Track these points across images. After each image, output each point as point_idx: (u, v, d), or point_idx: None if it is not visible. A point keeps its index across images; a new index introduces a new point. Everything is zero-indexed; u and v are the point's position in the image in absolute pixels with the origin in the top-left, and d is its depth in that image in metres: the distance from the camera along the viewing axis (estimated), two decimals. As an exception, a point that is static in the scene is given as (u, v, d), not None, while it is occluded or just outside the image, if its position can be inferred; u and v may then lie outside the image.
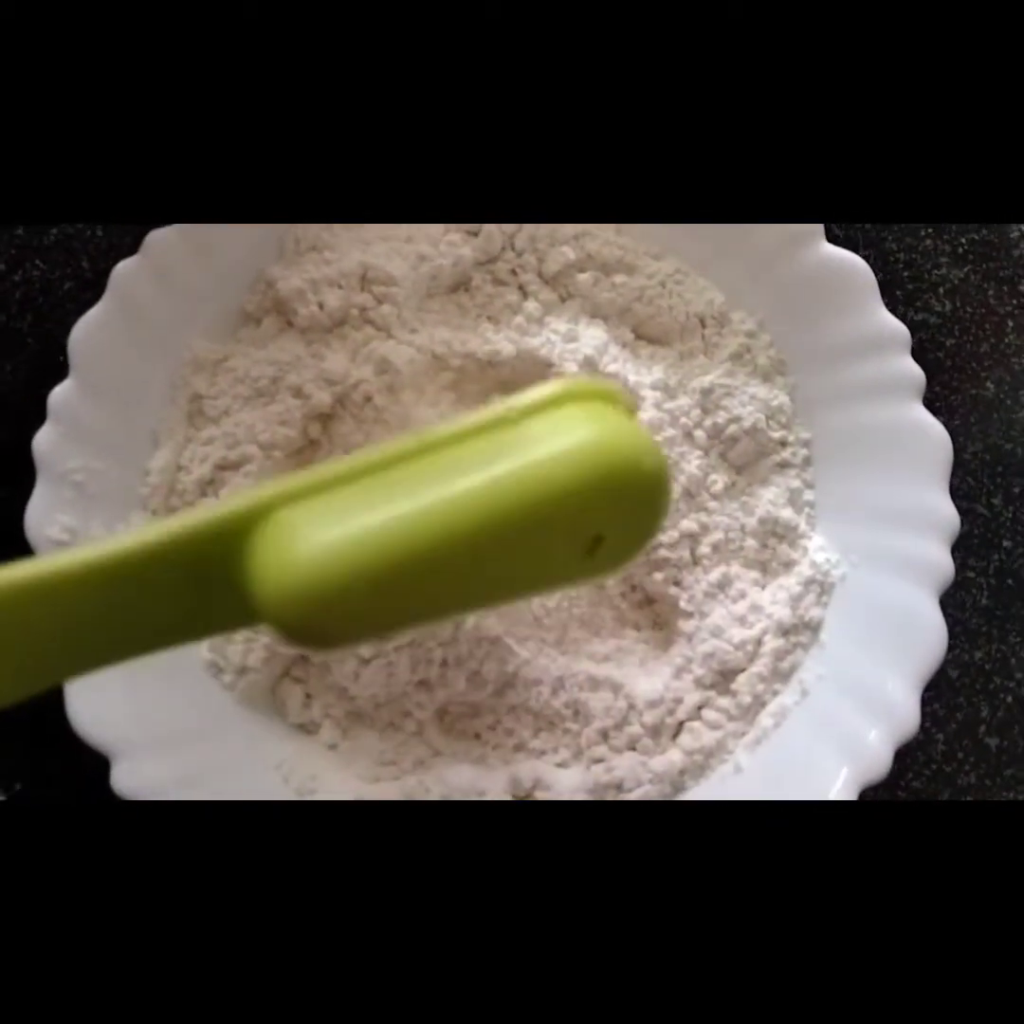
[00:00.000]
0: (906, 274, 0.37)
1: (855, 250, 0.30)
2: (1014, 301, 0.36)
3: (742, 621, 0.29)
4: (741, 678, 0.29)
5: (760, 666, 0.29)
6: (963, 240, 0.37)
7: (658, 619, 0.31)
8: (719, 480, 0.30)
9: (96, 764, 0.26)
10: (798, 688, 0.29)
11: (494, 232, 0.32)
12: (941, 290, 0.36)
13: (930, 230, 0.37)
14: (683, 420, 0.31)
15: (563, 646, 0.30)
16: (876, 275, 0.30)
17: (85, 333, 0.28)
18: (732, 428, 0.31)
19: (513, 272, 0.32)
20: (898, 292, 0.36)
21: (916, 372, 0.29)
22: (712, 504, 0.30)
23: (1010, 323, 0.36)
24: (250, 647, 0.29)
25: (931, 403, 0.29)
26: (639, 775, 0.28)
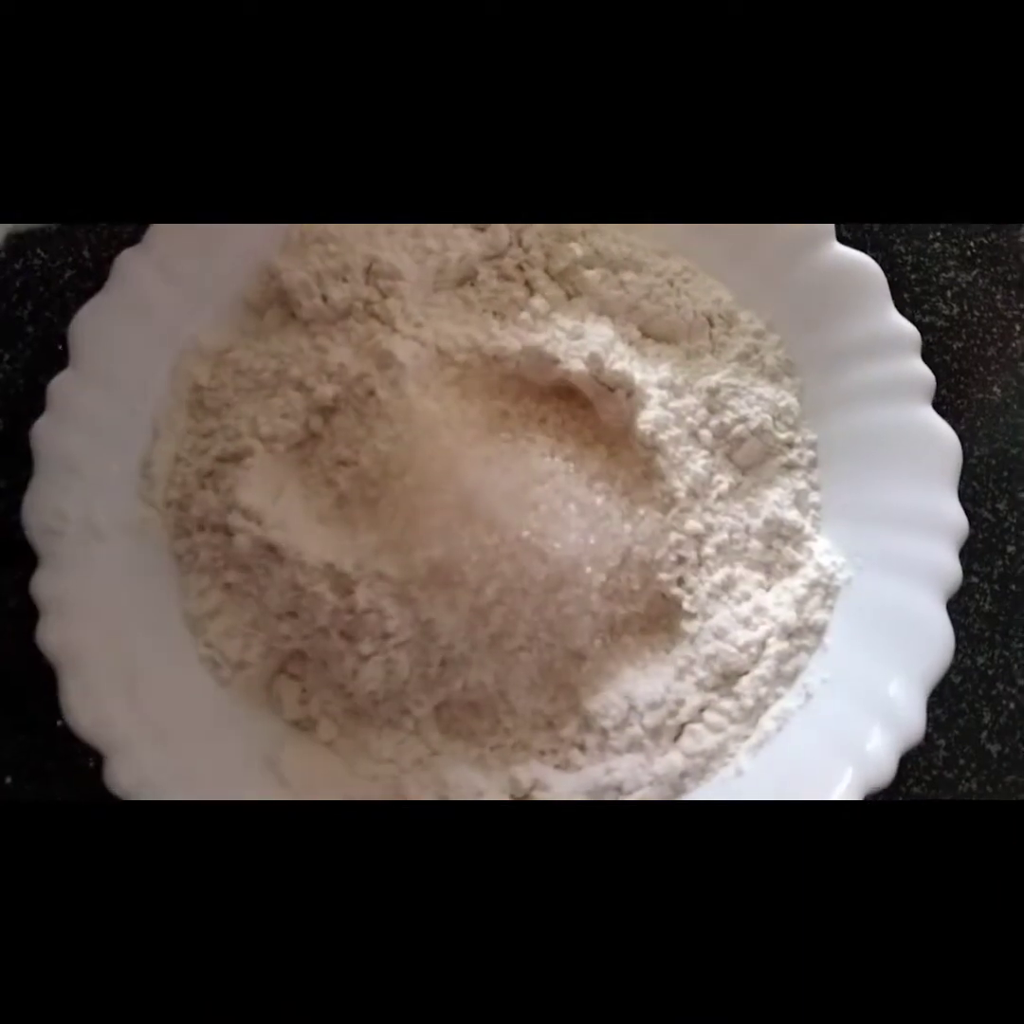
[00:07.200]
0: (914, 277, 0.36)
1: (863, 252, 0.30)
2: (1022, 305, 0.36)
3: (746, 623, 0.29)
4: (744, 681, 0.29)
5: (763, 669, 0.29)
6: (972, 243, 0.37)
7: (661, 620, 0.30)
8: (725, 481, 0.30)
9: (89, 759, 0.26)
10: (801, 691, 0.28)
11: (501, 227, 0.32)
12: (949, 293, 0.36)
13: (938, 233, 0.37)
14: (689, 419, 0.30)
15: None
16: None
17: (86, 321, 0.28)
18: (739, 428, 0.30)
19: (520, 268, 0.32)
20: (906, 295, 0.36)
21: (925, 374, 0.29)
22: (717, 505, 0.30)
23: (1018, 327, 0.36)
24: (247, 642, 0.28)
25: (937, 407, 0.29)
26: (639, 777, 0.28)
